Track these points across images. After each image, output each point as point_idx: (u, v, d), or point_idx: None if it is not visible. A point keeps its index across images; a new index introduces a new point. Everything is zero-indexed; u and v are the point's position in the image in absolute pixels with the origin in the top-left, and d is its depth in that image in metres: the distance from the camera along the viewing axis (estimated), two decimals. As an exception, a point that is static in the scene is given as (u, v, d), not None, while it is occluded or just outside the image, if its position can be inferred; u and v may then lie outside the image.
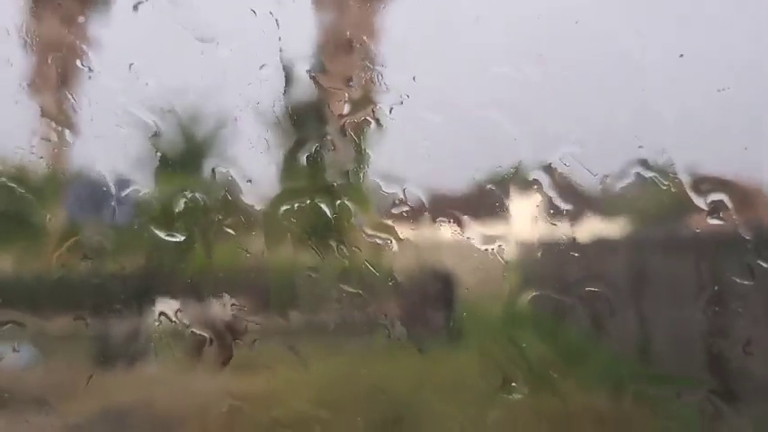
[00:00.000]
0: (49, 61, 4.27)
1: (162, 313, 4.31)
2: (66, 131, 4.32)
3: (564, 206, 3.81)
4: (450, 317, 4.32)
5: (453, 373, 4.20)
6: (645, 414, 4.07)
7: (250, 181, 4.07)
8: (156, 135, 4.12)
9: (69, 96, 4.29)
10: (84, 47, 4.16)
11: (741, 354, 3.72)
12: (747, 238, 3.57)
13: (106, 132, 4.11)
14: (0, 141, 4.32)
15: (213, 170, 4.13)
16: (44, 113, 4.37)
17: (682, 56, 3.44)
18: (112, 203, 4.30)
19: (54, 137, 4.36)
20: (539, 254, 3.91)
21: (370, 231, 3.93)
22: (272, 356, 4.24)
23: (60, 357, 4.34)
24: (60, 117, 4.33)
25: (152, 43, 3.94)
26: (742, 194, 3.69)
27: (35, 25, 4.28)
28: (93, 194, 4.31)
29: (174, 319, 4.27)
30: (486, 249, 3.89)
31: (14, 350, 4.26)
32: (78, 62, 4.16)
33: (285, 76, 3.92)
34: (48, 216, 4.43)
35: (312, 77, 3.95)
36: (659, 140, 3.51)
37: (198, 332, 4.24)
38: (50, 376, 4.32)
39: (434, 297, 4.29)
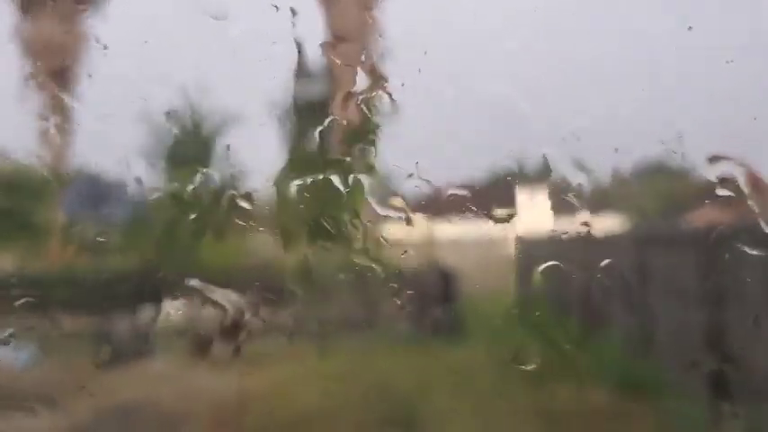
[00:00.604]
0: (47, 59, 4.30)
1: (167, 310, 4.29)
2: (66, 129, 4.33)
3: (577, 188, 3.83)
4: (451, 313, 4.33)
5: (461, 363, 4.20)
6: (648, 409, 4.06)
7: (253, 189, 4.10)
8: (166, 119, 4.14)
9: (68, 94, 4.31)
10: (83, 43, 4.19)
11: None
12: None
13: (106, 129, 4.12)
14: (0, 140, 4.34)
15: (227, 147, 4.16)
16: (43, 111, 4.39)
17: (690, 28, 3.49)
18: (113, 199, 4.30)
19: (53, 134, 4.37)
20: (551, 239, 3.92)
21: (380, 208, 3.92)
22: (277, 350, 4.22)
23: (65, 355, 4.30)
24: (59, 115, 4.34)
25: (156, 30, 3.96)
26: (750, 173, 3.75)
27: (32, 23, 4.32)
28: (94, 191, 4.31)
29: (179, 315, 4.25)
30: (498, 240, 3.91)
31: (15, 349, 4.21)
32: (78, 60, 4.20)
33: (297, 52, 3.95)
34: (48, 213, 4.43)
35: (325, 53, 3.99)
36: (670, 115, 3.54)
37: (204, 328, 4.21)
38: (55, 374, 4.27)
39: (436, 294, 4.31)
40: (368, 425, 4.13)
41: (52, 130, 4.32)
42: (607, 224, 4.01)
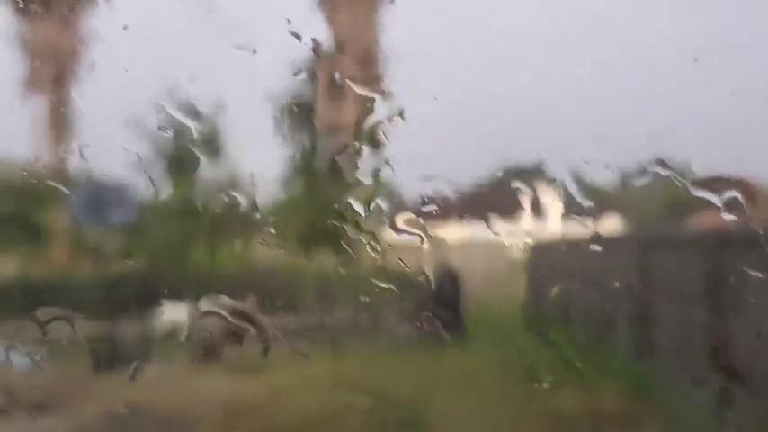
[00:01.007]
0: (49, 67, 4.26)
1: (168, 315, 4.32)
2: (70, 135, 4.30)
3: (583, 202, 3.89)
4: (459, 316, 4.38)
5: (462, 371, 4.27)
6: (656, 411, 4.16)
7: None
8: (165, 134, 4.13)
9: (71, 99, 4.28)
10: (84, 48, 4.15)
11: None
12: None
13: (110, 135, 4.10)
14: (4, 145, 4.30)
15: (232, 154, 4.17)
16: (47, 117, 4.35)
17: (696, 59, 3.55)
18: (116, 204, 4.29)
19: (58, 141, 4.34)
20: (558, 249, 3.99)
21: (397, 228, 3.97)
22: (283, 355, 4.26)
23: (68, 359, 4.31)
24: (63, 120, 4.31)
25: (167, 41, 3.95)
26: (753, 192, 3.83)
27: (34, 29, 4.27)
28: (97, 197, 4.29)
29: (182, 320, 4.28)
30: (505, 244, 3.96)
31: (18, 353, 4.22)
32: (79, 63, 4.16)
33: (311, 78, 3.96)
34: (52, 218, 4.41)
35: (337, 80, 4.00)
36: (676, 139, 3.61)
37: (209, 333, 4.24)
38: (58, 377, 4.28)
39: (444, 297, 4.35)
40: (373, 428, 4.20)
41: (55, 136, 4.30)
42: (612, 229, 4.07)
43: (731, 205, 3.52)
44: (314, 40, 3.71)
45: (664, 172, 3.70)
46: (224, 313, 4.23)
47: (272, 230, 4.18)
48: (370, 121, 3.84)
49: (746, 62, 3.56)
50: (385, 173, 3.91)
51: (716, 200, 3.52)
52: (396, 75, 3.90)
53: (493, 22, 3.67)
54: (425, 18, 3.75)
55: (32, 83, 4.23)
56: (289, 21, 3.59)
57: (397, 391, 4.26)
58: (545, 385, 3.94)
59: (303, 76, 3.97)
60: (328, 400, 4.23)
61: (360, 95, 3.86)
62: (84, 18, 4.16)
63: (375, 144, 3.94)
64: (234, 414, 4.26)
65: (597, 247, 3.95)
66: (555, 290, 3.99)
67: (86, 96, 4.14)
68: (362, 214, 4.01)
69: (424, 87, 3.66)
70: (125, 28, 3.84)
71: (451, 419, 4.22)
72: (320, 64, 3.92)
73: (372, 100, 3.80)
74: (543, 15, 3.67)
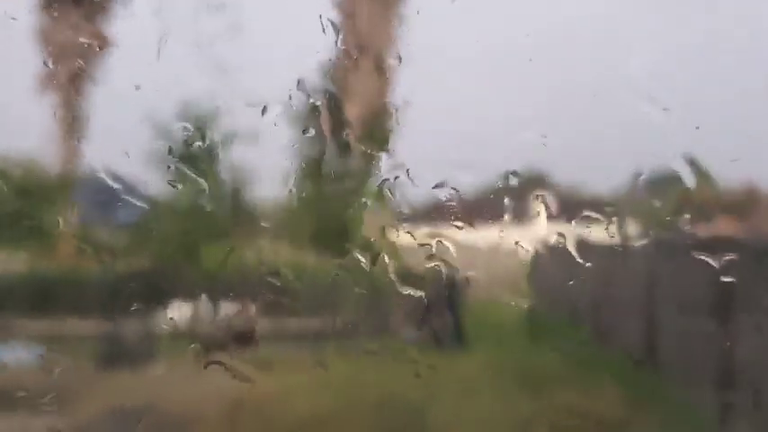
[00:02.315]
0: (67, 67, 4.29)
1: (172, 316, 4.35)
2: (78, 133, 4.34)
3: (587, 208, 3.86)
4: (457, 322, 4.36)
5: (462, 376, 4.25)
6: (659, 418, 4.11)
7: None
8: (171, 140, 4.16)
9: (81, 99, 4.31)
10: (97, 49, 4.18)
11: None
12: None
13: (117, 134, 4.13)
14: (12, 143, 4.35)
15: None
16: (58, 114, 4.39)
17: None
18: (123, 204, 4.32)
19: (66, 138, 4.38)
20: (562, 254, 3.95)
21: (391, 237, 3.98)
22: (283, 357, 4.28)
23: (71, 356, 4.36)
24: (72, 119, 4.35)
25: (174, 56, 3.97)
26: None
27: (50, 29, 4.30)
28: (104, 195, 4.32)
29: (186, 319, 4.31)
30: (508, 249, 3.94)
31: (22, 350, 4.29)
32: (90, 65, 4.19)
33: (308, 95, 3.98)
34: (59, 217, 4.45)
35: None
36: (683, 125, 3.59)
37: (208, 335, 4.27)
38: (60, 375, 4.33)
39: (443, 303, 4.33)
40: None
41: (65, 134, 4.34)
42: (618, 235, 4.01)
43: (729, 267, 3.50)
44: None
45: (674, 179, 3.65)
46: (228, 313, 4.26)
47: (277, 233, 4.20)
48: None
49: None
50: (390, 179, 3.91)
51: (714, 262, 3.50)
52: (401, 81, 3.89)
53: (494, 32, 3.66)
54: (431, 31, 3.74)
55: (44, 80, 4.27)
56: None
57: (398, 394, 4.26)
58: (545, 389, 3.93)
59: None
60: (330, 402, 4.25)
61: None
62: (102, 20, 4.18)
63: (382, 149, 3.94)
64: (236, 414, 4.29)
65: (602, 253, 3.90)
66: (559, 295, 3.94)
67: (97, 95, 4.21)
68: (366, 219, 4.02)
69: (429, 95, 3.68)
70: (137, 88, 3.87)
71: (453, 423, 4.22)
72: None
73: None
74: (541, 25, 3.61)
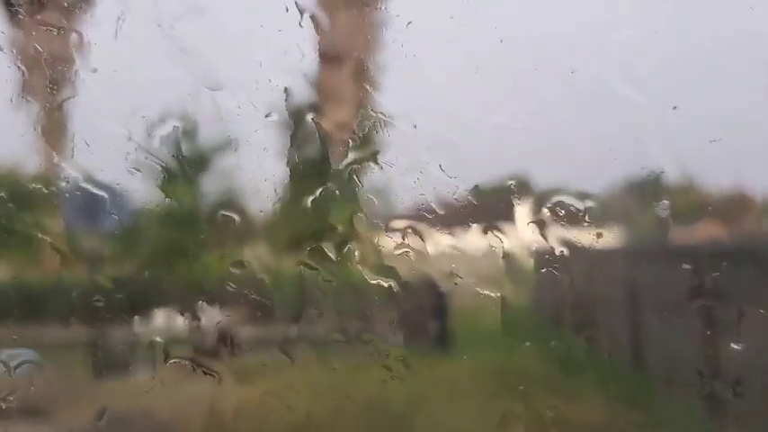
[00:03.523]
0: (43, 73, 4.28)
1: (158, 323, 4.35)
2: (63, 142, 4.33)
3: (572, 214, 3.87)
4: (443, 328, 4.36)
5: (447, 382, 4.25)
6: (645, 421, 4.11)
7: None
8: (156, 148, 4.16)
9: (66, 104, 4.30)
10: (78, 58, 4.17)
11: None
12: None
13: (102, 143, 4.12)
14: (-1, 152, 4.36)
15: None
16: (41, 122, 4.38)
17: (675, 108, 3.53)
18: (109, 212, 4.31)
19: (49, 146, 4.36)
20: (548, 259, 3.96)
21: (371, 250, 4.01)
22: (268, 363, 4.28)
23: (59, 365, 4.37)
24: (56, 128, 4.34)
25: (155, 68, 3.97)
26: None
27: (28, 38, 4.29)
28: (90, 204, 4.32)
29: (169, 327, 4.31)
30: (493, 254, 3.95)
31: (10, 358, 4.28)
32: (73, 72, 4.18)
33: (291, 123, 3.98)
34: (45, 223, 4.45)
35: (316, 124, 4.02)
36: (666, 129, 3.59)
37: (195, 342, 4.27)
38: (49, 383, 4.34)
39: (429, 307, 4.33)
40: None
41: (48, 140, 4.33)
42: (601, 239, 4.02)
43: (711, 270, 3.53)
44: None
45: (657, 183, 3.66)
46: (214, 321, 4.26)
47: (263, 239, 4.20)
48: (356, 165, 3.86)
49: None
50: (373, 185, 3.93)
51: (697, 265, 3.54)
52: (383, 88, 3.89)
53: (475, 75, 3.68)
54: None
55: (26, 88, 4.26)
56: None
57: (384, 399, 4.25)
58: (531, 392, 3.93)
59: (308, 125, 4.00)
60: (315, 408, 4.23)
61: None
62: (78, 24, 4.18)
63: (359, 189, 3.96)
64: (222, 421, 4.29)
65: (588, 258, 3.91)
66: (543, 298, 3.95)
67: (81, 102, 4.19)
68: (350, 225, 4.02)
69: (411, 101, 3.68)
70: (94, 71, 3.87)
71: (438, 427, 4.22)
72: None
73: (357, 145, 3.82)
74: (526, 34, 3.61)
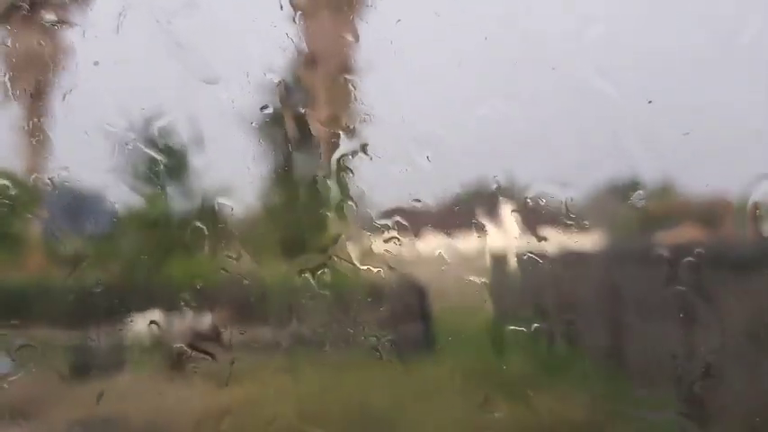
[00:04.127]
0: (27, 74, 4.36)
1: (142, 324, 4.34)
2: (45, 144, 4.38)
3: (539, 226, 3.95)
4: (427, 330, 4.36)
5: (430, 385, 4.23)
6: (621, 425, 4.10)
7: (232, 209, 4.18)
8: (137, 149, 4.22)
9: (47, 110, 4.36)
10: (61, 59, 4.26)
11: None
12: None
13: (85, 144, 4.19)
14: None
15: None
16: (24, 125, 4.43)
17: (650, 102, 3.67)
18: (90, 213, 4.34)
19: (33, 148, 4.42)
20: (527, 263, 4.01)
21: (354, 253, 4.05)
22: (251, 367, 4.26)
23: (39, 367, 4.33)
24: (38, 130, 4.39)
25: (142, 69, 4.07)
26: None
27: (12, 40, 4.38)
28: (72, 206, 4.35)
29: (153, 330, 4.29)
30: (474, 258, 3.99)
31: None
32: (55, 74, 4.26)
33: (284, 116, 4.09)
34: (25, 226, 4.47)
35: (307, 117, 4.14)
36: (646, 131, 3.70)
37: (177, 345, 4.25)
38: (28, 386, 4.29)
39: (411, 310, 4.34)
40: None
41: (30, 143, 4.38)
42: (582, 241, 4.08)
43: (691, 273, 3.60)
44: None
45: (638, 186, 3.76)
46: (194, 325, 4.26)
47: (245, 243, 4.24)
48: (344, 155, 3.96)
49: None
50: (363, 176, 4.01)
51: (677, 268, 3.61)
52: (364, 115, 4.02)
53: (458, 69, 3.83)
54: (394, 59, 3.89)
55: (9, 91, 4.34)
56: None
57: (368, 403, 4.24)
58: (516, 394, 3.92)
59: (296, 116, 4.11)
60: (298, 412, 4.20)
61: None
62: (64, 29, 4.28)
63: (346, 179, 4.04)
64: (203, 425, 4.25)
65: (567, 261, 3.97)
66: (524, 303, 3.98)
67: (64, 106, 4.27)
68: (333, 228, 4.07)
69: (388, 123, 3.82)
70: (95, 63, 3.98)
71: (424, 429, 4.19)
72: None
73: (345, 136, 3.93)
74: (509, 31, 3.75)
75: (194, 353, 4.21)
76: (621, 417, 4.12)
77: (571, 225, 3.96)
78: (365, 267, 4.07)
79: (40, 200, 4.34)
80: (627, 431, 4.11)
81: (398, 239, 3.99)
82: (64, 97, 4.19)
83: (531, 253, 4.03)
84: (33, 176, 4.29)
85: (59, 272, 4.45)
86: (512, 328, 4.07)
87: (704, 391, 3.86)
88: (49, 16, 4.19)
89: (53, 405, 4.30)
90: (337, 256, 4.11)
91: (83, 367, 4.35)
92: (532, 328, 4.05)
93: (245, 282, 4.17)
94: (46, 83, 4.29)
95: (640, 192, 3.84)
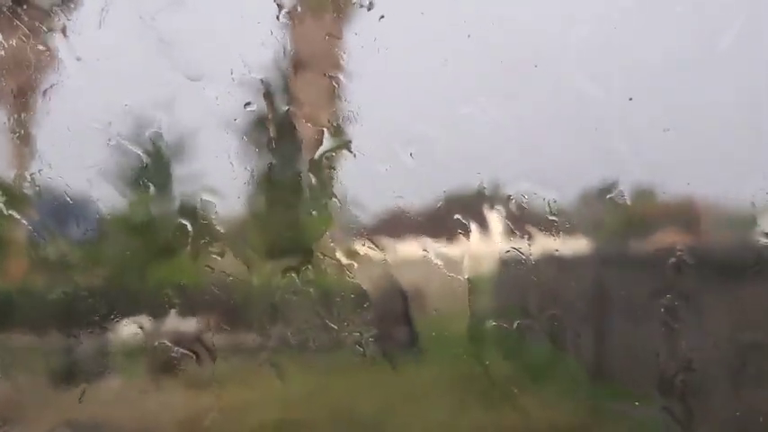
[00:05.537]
0: (12, 77, 4.33)
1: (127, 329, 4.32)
2: (27, 141, 4.35)
3: (522, 227, 3.96)
4: (410, 333, 4.36)
5: (417, 387, 4.24)
6: (606, 427, 4.12)
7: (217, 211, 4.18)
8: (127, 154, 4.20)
9: (29, 107, 4.34)
10: (43, 57, 4.23)
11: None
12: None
13: (70, 148, 4.16)
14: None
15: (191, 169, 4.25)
16: (8, 129, 4.40)
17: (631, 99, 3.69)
18: (77, 217, 4.32)
19: (18, 152, 4.39)
20: (510, 266, 4.02)
21: (338, 255, 4.05)
22: (237, 372, 4.25)
23: (24, 373, 4.31)
24: (23, 133, 4.36)
25: (128, 67, 4.06)
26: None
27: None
28: (58, 210, 4.32)
29: (139, 335, 4.28)
30: (449, 267, 4.00)
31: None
32: (37, 71, 4.23)
33: (268, 114, 4.09)
34: (11, 230, 4.44)
35: (291, 114, 4.13)
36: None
37: (164, 349, 4.24)
38: (13, 392, 4.27)
39: (394, 310, 4.34)
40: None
41: (12, 141, 4.35)
42: (567, 245, 4.09)
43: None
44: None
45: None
46: (179, 330, 4.24)
47: (230, 247, 4.22)
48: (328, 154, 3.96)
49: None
50: (347, 174, 4.01)
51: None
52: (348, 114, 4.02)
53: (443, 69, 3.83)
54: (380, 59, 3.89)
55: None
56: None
57: (353, 407, 4.23)
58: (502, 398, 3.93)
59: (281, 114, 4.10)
60: (284, 416, 4.20)
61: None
62: (51, 32, 4.25)
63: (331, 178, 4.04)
64: (190, 430, 4.23)
65: (550, 261, 3.98)
66: (508, 303, 3.99)
67: (48, 109, 4.24)
68: (317, 232, 4.07)
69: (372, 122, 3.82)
70: (78, 59, 3.96)
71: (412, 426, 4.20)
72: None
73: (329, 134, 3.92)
74: (493, 29, 3.76)
75: (179, 355, 4.17)
76: (605, 414, 4.14)
77: (554, 224, 3.97)
78: (349, 263, 4.06)
79: (23, 200, 4.30)
80: (611, 428, 4.12)
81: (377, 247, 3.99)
82: (45, 93, 4.16)
83: (515, 251, 4.03)
84: (15, 174, 4.26)
85: (43, 277, 4.42)
86: (495, 326, 4.07)
87: (685, 385, 3.87)
88: (31, 13, 4.15)
89: (37, 409, 4.27)
90: (321, 254, 4.10)
91: (67, 372, 4.32)
92: (515, 326, 4.06)
93: (230, 278, 4.15)
94: (28, 80, 4.26)
95: (621, 189, 3.85)
